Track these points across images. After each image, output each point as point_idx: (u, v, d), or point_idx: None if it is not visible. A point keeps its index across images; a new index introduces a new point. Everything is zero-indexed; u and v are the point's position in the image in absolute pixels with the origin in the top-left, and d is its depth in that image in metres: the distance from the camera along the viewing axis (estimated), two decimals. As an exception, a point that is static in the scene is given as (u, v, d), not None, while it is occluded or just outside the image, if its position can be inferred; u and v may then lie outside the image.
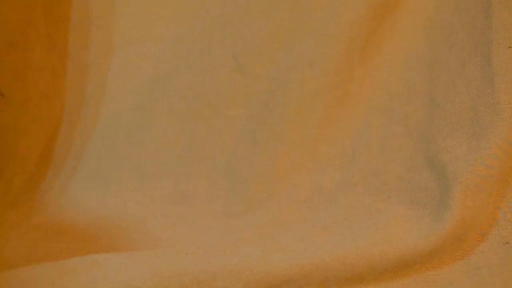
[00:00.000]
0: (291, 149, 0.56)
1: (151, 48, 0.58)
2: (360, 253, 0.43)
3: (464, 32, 0.53)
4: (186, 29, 0.63)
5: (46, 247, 0.47)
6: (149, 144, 0.57)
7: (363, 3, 0.54)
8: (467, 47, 0.52)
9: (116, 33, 0.58)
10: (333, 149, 0.55)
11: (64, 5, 0.55)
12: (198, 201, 0.55)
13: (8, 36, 0.52)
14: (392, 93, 0.54)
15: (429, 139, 0.52)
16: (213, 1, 0.61)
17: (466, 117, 0.50)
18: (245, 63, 0.57)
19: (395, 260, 0.44)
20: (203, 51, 0.62)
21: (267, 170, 0.55)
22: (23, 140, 0.55)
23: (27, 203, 0.53)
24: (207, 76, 0.56)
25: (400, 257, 0.44)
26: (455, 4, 0.54)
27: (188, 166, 0.56)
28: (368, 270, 0.43)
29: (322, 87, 0.56)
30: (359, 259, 0.43)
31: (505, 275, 0.43)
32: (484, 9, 0.52)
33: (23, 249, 0.47)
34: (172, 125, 0.57)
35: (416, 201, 0.50)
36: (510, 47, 0.49)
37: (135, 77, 0.58)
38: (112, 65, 0.58)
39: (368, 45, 0.55)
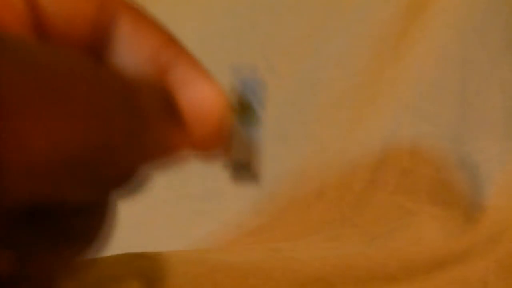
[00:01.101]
0: (321, 148, 0.56)
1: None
2: (391, 252, 0.43)
3: (497, 32, 0.52)
4: (215, 29, 0.63)
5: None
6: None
7: (394, 2, 0.54)
8: (500, 47, 0.52)
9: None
10: (363, 148, 0.55)
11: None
12: (226, 199, 0.55)
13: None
14: (423, 93, 0.54)
15: (461, 139, 0.52)
16: (242, 1, 0.61)
17: (498, 118, 0.50)
18: (275, 63, 0.57)
19: (427, 260, 0.44)
20: (232, 51, 0.62)
21: (296, 170, 0.55)
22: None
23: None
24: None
25: (432, 257, 0.44)
26: (487, 4, 0.53)
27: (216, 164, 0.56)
28: (400, 269, 0.43)
29: (351, 86, 0.55)
30: (391, 259, 0.43)
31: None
32: (517, 9, 0.51)
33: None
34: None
35: (448, 201, 0.49)
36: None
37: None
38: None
39: (398, 45, 0.55)
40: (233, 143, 0.27)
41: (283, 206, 0.54)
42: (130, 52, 0.28)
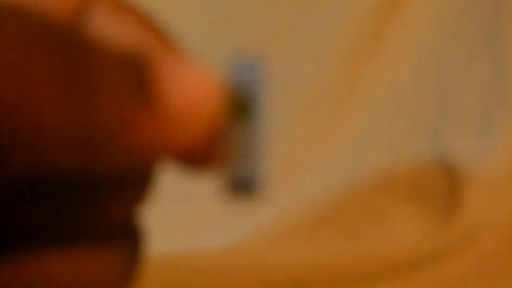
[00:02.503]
0: (296, 148, 0.55)
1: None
2: (368, 252, 0.43)
3: (474, 28, 0.52)
4: (187, 26, 0.62)
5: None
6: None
7: (370, -1, 0.54)
8: (477, 44, 0.52)
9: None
10: (339, 147, 0.54)
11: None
12: (201, 200, 0.54)
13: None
14: (400, 90, 0.54)
15: (438, 137, 0.51)
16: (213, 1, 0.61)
17: (476, 115, 0.50)
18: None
19: (404, 260, 0.43)
20: (203, 48, 0.62)
21: (271, 170, 0.54)
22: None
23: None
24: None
25: (409, 257, 0.44)
26: (463, 0, 0.53)
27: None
28: (377, 270, 0.42)
29: (328, 84, 0.55)
30: (367, 259, 0.43)
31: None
32: (495, 5, 0.51)
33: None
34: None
35: (425, 200, 0.49)
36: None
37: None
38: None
39: (375, 42, 0.54)
40: (228, 148, 0.22)
41: (258, 207, 0.53)
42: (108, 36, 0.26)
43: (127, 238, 0.24)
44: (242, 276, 0.40)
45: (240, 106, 0.23)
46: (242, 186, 0.22)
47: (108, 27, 0.25)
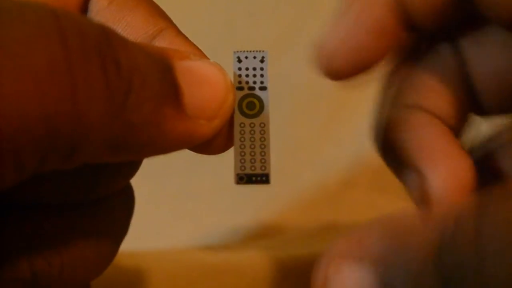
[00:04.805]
0: (296, 149, 0.56)
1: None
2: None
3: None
4: (188, 29, 0.63)
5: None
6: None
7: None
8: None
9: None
10: (337, 149, 0.55)
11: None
12: (203, 198, 0.55)
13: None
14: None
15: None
16: (217, 2, 0.61)
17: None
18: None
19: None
20: (205, 52, 0.62)
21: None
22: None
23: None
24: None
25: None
26: None
27: (194, 164, 0.56)
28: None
29: (326, 87, 0.56)
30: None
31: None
32: None
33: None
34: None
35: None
36: None
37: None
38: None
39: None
40: (236, 136, 0.24)
41: (257, 205, 0.54)
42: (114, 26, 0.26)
43: (124, 196, 0.26)
44: (243, 272, 0.41)
45: (249, 97, 0.24)
46: (250, 177, 0.24)
47: (122, 17, 0.26)
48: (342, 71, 0.25)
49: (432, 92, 0.26)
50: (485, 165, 0.27)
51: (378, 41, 0.24)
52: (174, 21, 0.27)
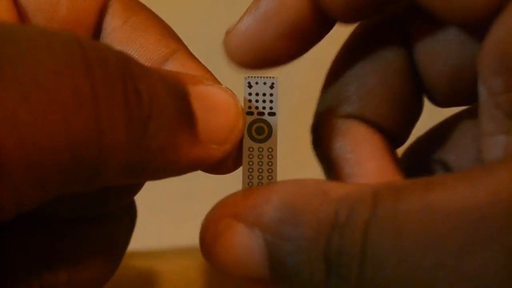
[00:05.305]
0: (295, 147, 0.56)
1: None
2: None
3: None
4: (190, 30, 0.63)
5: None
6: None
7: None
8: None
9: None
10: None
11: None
12: (203, 198, 0.55)
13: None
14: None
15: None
16: (219, 4, 0.61)
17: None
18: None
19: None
20: (208, 53, 0.62)
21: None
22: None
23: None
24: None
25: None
26: None
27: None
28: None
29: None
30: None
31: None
32: None
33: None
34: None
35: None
36: None
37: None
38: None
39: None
40: (244, 160, 0.24)
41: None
42: (126, 47, 0.26)
43: (129, 211, 0.27)
44: None
45: (255, 125, 0.25)
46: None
47: (135, 37, 0.26)
48: (246, 65, 0.25)
49: (373, 98, 0.26)
50: (430, 158, 0.27)
51: (285, 40, 0.24)
52: (186, 42, 0.27)
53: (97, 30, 0.27)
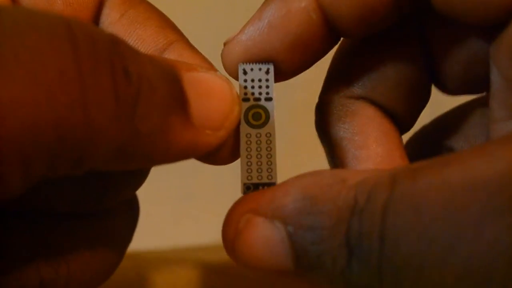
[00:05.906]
0: (294, 148, 0.56)
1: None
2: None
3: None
4: (192, 32, 0.63)
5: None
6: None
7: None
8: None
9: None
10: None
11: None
12: (203, 198, 0.55)
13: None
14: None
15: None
16: (221, 5, 0.61)
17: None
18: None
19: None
20: (208, 54, 0.62)
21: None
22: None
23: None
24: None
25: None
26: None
27: (194, 164, 0.56)
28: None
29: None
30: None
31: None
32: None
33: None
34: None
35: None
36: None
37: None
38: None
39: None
40: (242, 146, 0.24)
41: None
42: (125, 35, 0.26)
43: (130, 207, 0.27)
44: (242, 272, 0.41)
45: (251, 111, 0.24)
46: (257, 187, 0.24)
47: (133, 30, 0.26)
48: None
49: (385, 81, 0.26)
50: (436, 145, 0.27)
51: (290, 53, 0.24)
52: (183, 31, 0.27)
53: (94, 24, 0.27)
